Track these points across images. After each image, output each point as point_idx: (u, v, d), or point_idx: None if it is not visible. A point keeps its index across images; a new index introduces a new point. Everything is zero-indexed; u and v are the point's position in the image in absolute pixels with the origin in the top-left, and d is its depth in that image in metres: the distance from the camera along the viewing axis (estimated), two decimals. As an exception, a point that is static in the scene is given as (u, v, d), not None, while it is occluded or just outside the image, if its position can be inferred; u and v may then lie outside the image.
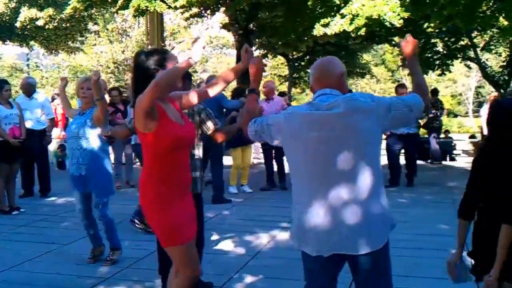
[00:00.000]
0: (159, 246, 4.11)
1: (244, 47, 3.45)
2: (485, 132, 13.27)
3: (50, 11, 17.12)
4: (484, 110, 12.84)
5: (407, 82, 40.19)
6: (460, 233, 3.20)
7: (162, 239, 3.26)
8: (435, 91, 15.25)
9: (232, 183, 9.42)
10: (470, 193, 3.05)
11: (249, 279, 4.89)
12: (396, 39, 16.46)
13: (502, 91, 16.46)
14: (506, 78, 17.28)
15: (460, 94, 47.42)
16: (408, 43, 2.94)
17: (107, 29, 28.70)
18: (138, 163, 9.58)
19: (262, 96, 9.29)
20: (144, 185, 3.24)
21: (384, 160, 11.51)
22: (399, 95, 10.00)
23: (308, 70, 22.75)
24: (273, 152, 9.81)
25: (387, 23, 11.02)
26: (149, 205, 3.22)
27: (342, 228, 2.66)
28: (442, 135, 15.99)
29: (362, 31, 11.25)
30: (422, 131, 14.27)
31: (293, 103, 31.11)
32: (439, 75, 18.97)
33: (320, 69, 2.89)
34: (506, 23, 12.18)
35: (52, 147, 11.25)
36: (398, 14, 10.68)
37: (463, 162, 14.41)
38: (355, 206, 2.64)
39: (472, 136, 19.49)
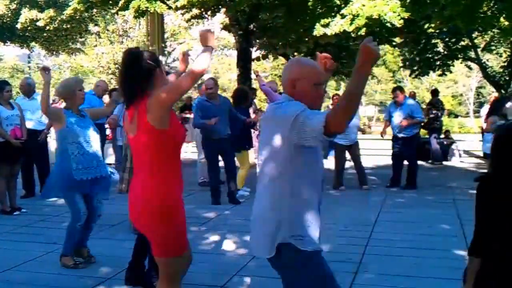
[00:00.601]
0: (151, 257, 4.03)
1: (182, 52, 3.85)
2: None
3: (50, 12, 17.16)
4: (485, 111, 12.84)
5: (408, 82, 40.27)
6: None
7: (165, 249, 3.13)
8: (435, 92, 15.26)
9: (241, 186, 9.24)
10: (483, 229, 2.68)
11: (249, 279, 4.90)
12: (397, 39, 16.48)
13: (503, 91, 16.47)
14: (507, 78, 17.28)
15: (461, 95, 47.41)
16: (363, 51, 2.34)
17: (108, 30, 28.75)
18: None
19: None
20: (152, 191, 3.05)
21: (386, 160, 11.53)
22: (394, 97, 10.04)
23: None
24: None
25: (387, 24, 11.03)
26: (159, 213, 3.03)
27: (252, 231, 2.90)
28: (442, 136, 16.00)
29: (363, 31, 11.25)
30: (422, 131, 14.28)
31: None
32: (440, 75, 18.99)
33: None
34: (506, 23, 12.19)
35: (53, 147, 11.27)
36: (399, 14, 10.70)
37: (465, 162, 14.43)
38: (256, 210, 2.84)
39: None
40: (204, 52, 3.07)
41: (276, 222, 2.67)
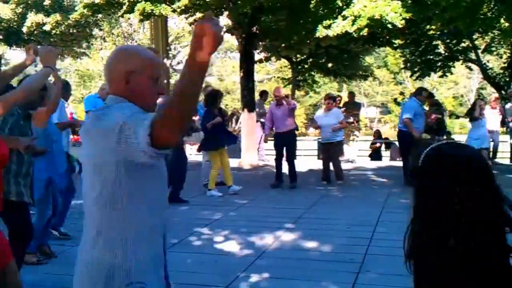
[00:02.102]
0: None
1: (29, 46, 3.87)
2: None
3: (57, 16, 17.26)
4: (485, 111, 12.90)
5: (409, 83, 40.28)
6: None
7: None
8: (430, 94, 15.28)
9: (212, 186, 9.33)
10: None
11: (254, 279, 4.96)
12: (397, 41, 16.54)
13: (503, 92, 16.52)
14: (507, 79, 17.34)
15: (462, 96, 47.38)
16: (197, 32, 1.73)
17: (113, 34, 28.89)
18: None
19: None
20: None
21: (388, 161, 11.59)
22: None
23: (312, 73, 22.83)
24: (284, 150, 10.24)
25: (389, 24, 11.11)
26: None
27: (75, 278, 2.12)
28: (444, 137, 16.06)
29: (364, 32, 11.33)
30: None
31: (298, 106, 31.15)
32: (441, 76, 19.06)
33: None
34: (507, 24, 12.26)
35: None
36: (400, 15, 10.78)
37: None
38: (80, 251, 2.11)
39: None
40: (42, 72, 3.23)
41: (107, 267, 1.96)
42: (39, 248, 5.50)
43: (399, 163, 11.72)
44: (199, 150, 10.22)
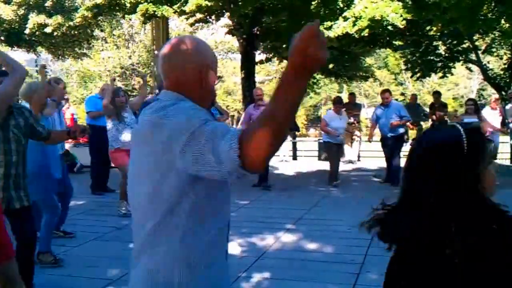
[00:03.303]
0: None
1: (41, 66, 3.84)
2: (486, 134, 13.39)
3: (58, 18, 17.27)
4: (486, 112, 12.89)
5: (410, 84, 40.30)
6: None
7: None
8: (438, 93, 15.27)
9: None
10: None
11: (255, 279, 4.98)
12: (397, 43, 16.55)
13: (503, 93, 16.53)
14: (508, 80, 17.35)
15: (462, 97, 47.32)
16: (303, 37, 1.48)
17: (114, 35, 28.92)
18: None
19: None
20: None
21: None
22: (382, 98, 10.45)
23: (314, 74, 23.16)
24: None
25: (389, 26, 11.12)
26: None
27: None
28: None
29: (365, 32, 11.35)
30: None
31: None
32: (441, 77, 19.06)
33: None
34: (507, 26, 12.28)
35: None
36: (401, 15, 10.79)
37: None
38: (134, 270, 1.91)
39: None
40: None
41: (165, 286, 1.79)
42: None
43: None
44: None
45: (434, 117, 13.11)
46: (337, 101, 11.02)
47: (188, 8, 12.00)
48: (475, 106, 9.94)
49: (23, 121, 4.22)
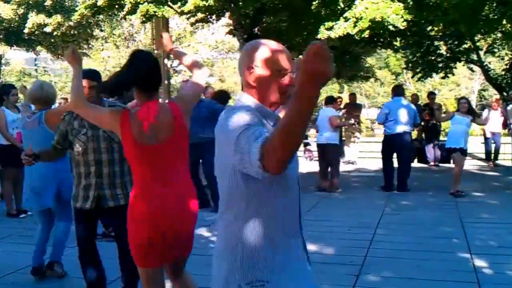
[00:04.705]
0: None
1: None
2: (488, 135, 13.35)
3: (58, 18, 17.25)
4: (487, 113, 12.87)
5: (411, 85, 40.26)
6: None
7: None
8: (433, 94, 15.21)
9: None
10: None
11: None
12: (398, 43, 16.52)
13: (505, 94, 16.49)
14: (509, 81, 17.30)
15: (463, 97, 47.24)
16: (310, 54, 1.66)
17: (114, 35, 28.92)
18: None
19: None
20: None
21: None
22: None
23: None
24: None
25: (390, 26, 11.08)
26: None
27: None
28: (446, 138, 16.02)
29: (366, 34, 11.31)
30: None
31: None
32: (443, 78, 19.01)
33: None
34: (509, 26, 12.25)
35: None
36: (402, 16, 10.75)
37: (467, 164, 14.43)
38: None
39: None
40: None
41: (228, 265, 2.13)
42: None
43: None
44: None
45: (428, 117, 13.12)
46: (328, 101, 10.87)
47: (186, 8, 11.97)
48: (468, 105, 9.80)
49: None
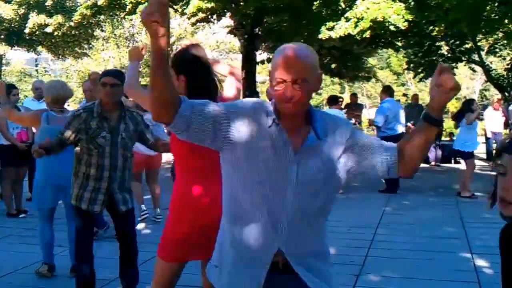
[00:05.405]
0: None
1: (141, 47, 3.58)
2: (489, 135, 13.33)
3: (59, 18, 17.26)
4: (488, 113, 12.85)
5: (412, 85, 40.21)
6: None
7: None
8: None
9: None
10: None
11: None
12: (399, 43, 16.51)
13: (506, 94, 16.47)
14: (511, 81, 17.29)
15: (465, 97, 47.19)
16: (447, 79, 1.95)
17: (115, 35, 28.92)
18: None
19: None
20: None
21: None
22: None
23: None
24: None
25: (391, 26, 11.05)
26: None
27: None
28: (448, 138, 16.04)
29: (367, 34, 11.29)
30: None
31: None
32: (444, 78, 18.99)
33: None
34: (510, 26, 12.22)
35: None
36: (403, 17, 10.73)
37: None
38: None
39: None
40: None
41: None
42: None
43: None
44: None
45: None
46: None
47: (189, 10, 11.98)
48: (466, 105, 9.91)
49: (133, 125, 4.13)
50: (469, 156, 9.46)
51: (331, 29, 11.54)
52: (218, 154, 2.12)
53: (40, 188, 5.05)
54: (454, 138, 17.00)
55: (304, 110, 2.04)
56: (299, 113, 2.02)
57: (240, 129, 1.98)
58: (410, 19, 10.98)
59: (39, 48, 21.57)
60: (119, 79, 4.00)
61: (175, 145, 3.06)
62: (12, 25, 18.95)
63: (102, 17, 16.88)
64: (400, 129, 9.93)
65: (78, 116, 4.04)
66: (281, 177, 2.00)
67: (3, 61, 26.58)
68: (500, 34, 15.60)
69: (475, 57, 18.01)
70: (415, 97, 15.58)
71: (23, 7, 18.38)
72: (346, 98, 17.87)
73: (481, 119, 13.26)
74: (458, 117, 10.17)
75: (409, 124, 11.23)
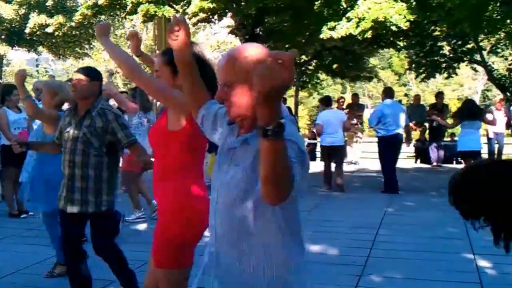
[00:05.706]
0: None
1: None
2: (491, 135, 13.30)
3: (60, 18, 17.27)
4: (490, 113, 12.78)
5: (414, 85, 40.20)
6: None
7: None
8: (440, 94, 15.16)
9: None
10: None
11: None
12: (401, 43, 16.50)
13: (508, 94, 16.45)
14: (513, 81, 17.29)
15: (466, 97, 47.18)
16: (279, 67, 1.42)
17: (116, 35, 28.94)
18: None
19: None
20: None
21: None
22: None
23: (318, 74, 22.47)
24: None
25: (393, 26, 11.04)
26: None
27: None
28: (449, 138, 16.00)
29: (369, 34, 11.28)
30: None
31: (300, 107, 30.99)
32: (446, 78, 19.02)
33: None
34: (512, 26, 12.22)
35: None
36: (404, 17, 10.71)
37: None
38: None
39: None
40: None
41: None
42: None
43: (401, 165, 11.62)
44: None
45: (434, 117, 13.03)
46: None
47: (190, 10, 11.99)
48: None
49: (101, 123, 3.91)
50: (472, 156, 9.41)
51: (332, 29, 11.54)
52: None
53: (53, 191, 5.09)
54: (456, 138, 17.06)
55: None
56: None
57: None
58: (412, 19, 10.98)
59: (40, 48, 21.60)
60: (87, 75, 3.95)
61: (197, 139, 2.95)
62: (13, 25, 18.98)
63: (103, 17, 16.87)
64: (396, 129, 9.87)
65: (64, 115, 4.10)
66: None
67: (4, 62, 26.57)
68: (502, 34, 15.59)
69: (477, 57, 17.99)
70: (417, 97, 15.54)
71: (24, 7, 18.40)
72: (348, 98, 17.84)
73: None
74: (458, 117, 10.15)
75: (410, 124, 11.20)
